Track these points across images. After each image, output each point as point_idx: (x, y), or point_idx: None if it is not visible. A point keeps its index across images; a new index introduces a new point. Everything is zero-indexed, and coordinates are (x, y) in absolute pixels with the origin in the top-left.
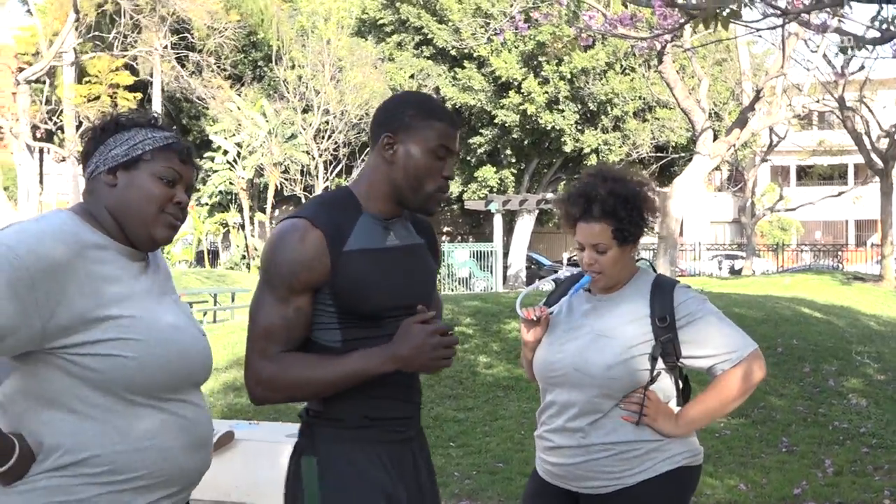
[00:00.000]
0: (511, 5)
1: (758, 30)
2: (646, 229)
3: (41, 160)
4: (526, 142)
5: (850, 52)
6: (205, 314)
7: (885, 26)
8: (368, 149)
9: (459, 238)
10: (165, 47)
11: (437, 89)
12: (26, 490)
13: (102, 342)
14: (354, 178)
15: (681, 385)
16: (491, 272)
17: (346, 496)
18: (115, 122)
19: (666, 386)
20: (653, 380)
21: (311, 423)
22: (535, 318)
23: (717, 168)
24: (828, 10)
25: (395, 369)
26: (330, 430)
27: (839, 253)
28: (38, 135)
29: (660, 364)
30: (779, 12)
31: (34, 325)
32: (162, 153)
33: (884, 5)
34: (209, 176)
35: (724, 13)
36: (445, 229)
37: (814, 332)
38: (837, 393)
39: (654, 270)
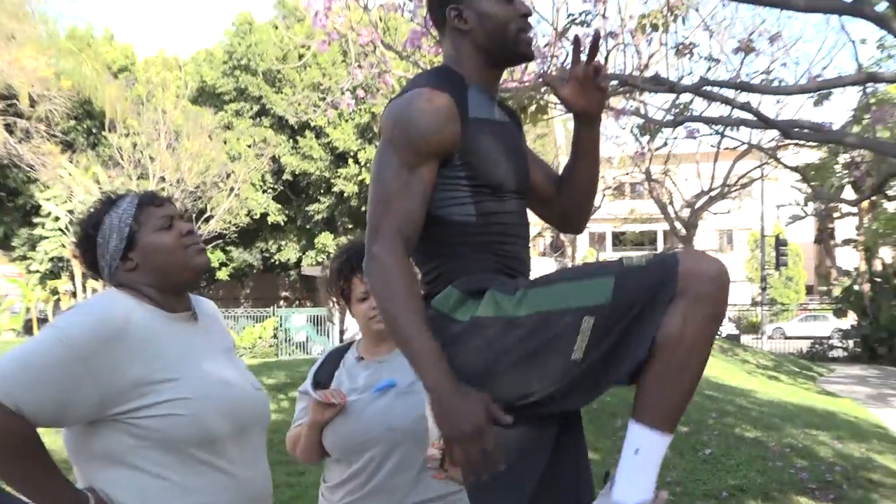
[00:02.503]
0: (345, 80)
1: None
2: None
3: None
4: (363, 209)
5: (648, 132)
6: None
7: (676, 111)
8: (441, 38)
9: (297, 303)
10: None
11: (275, 158)
12: None
13: (158, 404)
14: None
15: None
16: (328, 336)
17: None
18: (91, 233)
19: None
20: None
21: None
22: (334, 402)
23: (540, 234)
24: (626, 95)
25: (432, 398)
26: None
27: None
28: None
29: None
30: None
31: (91, 397)
32: (142, 214)
33: (679, 95)
34: (39, 242)
35: (534, 108)
36: (283, 294)
37: (624, 387)
38: None
39: None
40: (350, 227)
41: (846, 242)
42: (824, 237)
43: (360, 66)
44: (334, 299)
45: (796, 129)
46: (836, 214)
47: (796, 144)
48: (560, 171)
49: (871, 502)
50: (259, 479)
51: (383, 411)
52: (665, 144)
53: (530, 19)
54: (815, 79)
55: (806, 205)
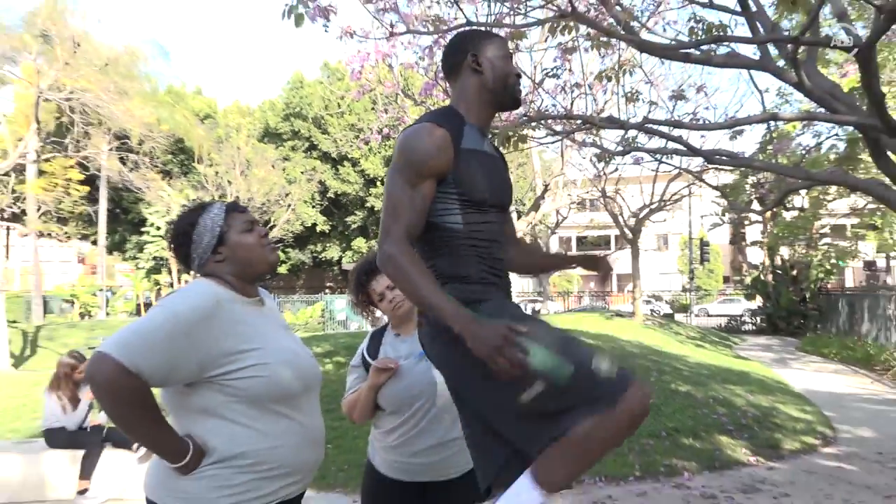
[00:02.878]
0: (374, 122)
1: (543, 144)
2: None
3: (7, 235)
4: None
5: (604, 160)
6: None
7: (626, 143)
8: (450, 84)
9: (339, 291)
10: (110, 149)
11: (322, 182)
12: (197, 479)
13: (244, 369)
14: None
15: None
16: (362, 317)
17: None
18: (188, 229)
19: None
20: None
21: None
22: (391, 367)
23: (522, 238)
24: (587, 131)
25: (464, 335)
26: (457, 285)
27: (606, 297)
28: (5, 216)
29: None
30: (553, 132)
31: (192, 362)
32: (229, 218)
33: (627, 131)
34: (145, 246)
35: (515, 137)
36: (328, 284)
37: (610, 323)
38: None
39: None
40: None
41: (754, 243)
42: (737, 239)
43: (385, 111)
44: (365, 312)
45: (717, 157)
46: (746, 222)
47: (716, 169)
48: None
49: (777, 440)
50: (318, 426)
51: (426, 370)
52: (616, 170)
53: (520, 79)
54: (731, 118)
55: (723, 215)
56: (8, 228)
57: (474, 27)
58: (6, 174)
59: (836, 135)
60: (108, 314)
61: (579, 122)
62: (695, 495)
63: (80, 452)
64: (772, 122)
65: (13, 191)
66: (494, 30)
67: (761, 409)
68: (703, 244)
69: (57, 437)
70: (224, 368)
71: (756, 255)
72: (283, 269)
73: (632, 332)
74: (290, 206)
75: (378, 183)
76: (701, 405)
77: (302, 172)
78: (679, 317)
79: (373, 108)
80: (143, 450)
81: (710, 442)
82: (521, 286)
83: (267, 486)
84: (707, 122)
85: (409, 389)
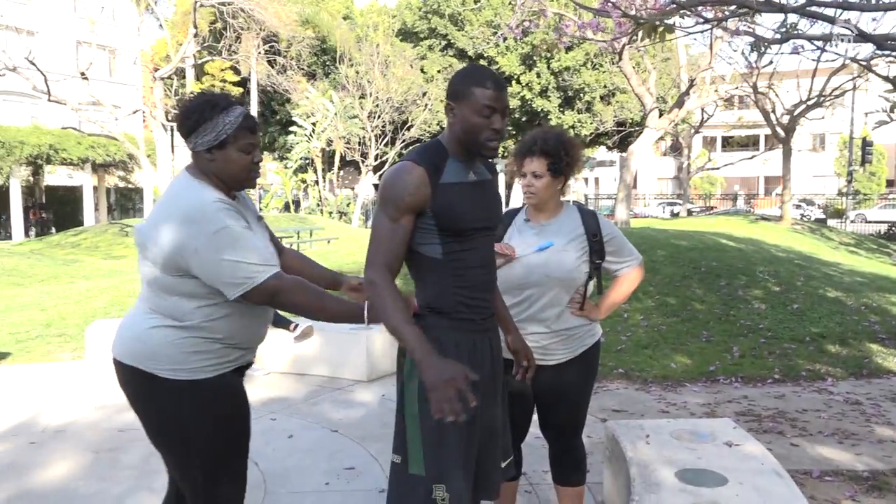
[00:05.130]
0: (511, 18)
1: (691, 34)
2: (571, 170)
3: (173, 135)
4: (523, 119)
5: (760, 49)
6: (290, 246)
7: (784, 30)
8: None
9: None
10: (260, 53)
11: None
12: (178, 346)
13: None
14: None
15: (594, 280)
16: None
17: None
18: (199, 121)
19: (591, 282)
20: (590, 277)
21: (420, 314)
22: (508, 253)
23: (662, 138)
24: (741, 17)
25: (422, 366)
26: (433, 318)
27: (751, 200)
28: (170, 117)
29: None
30: (703, 19)
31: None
32: (240, 132)
33: (787, 16)
34: (293, 147)
35: (661, 27)
36: None
37: (729, 256)
38: (744, 300)
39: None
40: (513, 133)
41: None
42: None
43: (523, 4)
44: (513, 169)
45: (892, 42)
46: None
47: (889, 56)
48: None
49: None
50: (268, 311)
51: (542, 263)
52: (770, 62)
53: (501, 127)
54: None
55: (892, 111)
56: (172, 129)
57: (471, 66)
58: (169, 77)
59: None
60: (261, 210)
61: (733, 6)
62: (837, 400)
63: None
64: None
65: (176, 93)
66: None
67: None
68: (866, 144)
69: None
70: None
71: None
72: None
73: (778, 236)
74: (427, 105)
75: (513, 81)
76: (851, 312)
77: (439, 71)
78: (832, 223)
79: (510, 3)
80: (299, 329)
81: (858, 349)
82: (659, 188)
83: (232, 354)
84: (882, 1)
85: (520, 279)
